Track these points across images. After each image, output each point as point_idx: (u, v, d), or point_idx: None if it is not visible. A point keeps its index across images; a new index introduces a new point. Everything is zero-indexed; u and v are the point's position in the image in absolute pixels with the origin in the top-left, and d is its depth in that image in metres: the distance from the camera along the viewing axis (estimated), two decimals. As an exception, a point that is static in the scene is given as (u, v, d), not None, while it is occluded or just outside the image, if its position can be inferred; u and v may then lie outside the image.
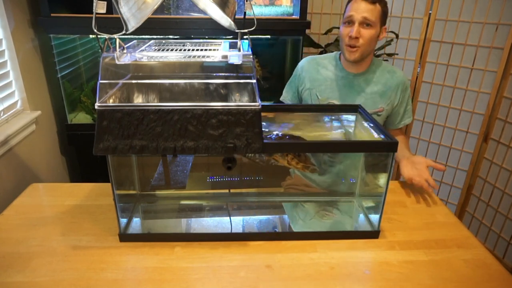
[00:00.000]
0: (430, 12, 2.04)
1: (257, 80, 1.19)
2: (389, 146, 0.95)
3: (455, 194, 2.21)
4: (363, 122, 1.13)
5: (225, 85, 1.04)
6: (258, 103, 0.87)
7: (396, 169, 2.42)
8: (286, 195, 1.30)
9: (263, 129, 0.89)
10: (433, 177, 2.25)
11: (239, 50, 1.05)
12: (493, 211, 1.99)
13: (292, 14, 1.87)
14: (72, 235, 1.03)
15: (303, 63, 1.45)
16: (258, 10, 1.87)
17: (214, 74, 1.01)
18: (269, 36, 2.02)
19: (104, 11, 0.88)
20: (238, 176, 1.23)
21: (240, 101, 1.01)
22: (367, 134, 1.08)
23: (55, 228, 1.06)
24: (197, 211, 1.21)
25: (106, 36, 0.91)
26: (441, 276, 0.91)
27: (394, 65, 2.21)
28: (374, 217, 1.08)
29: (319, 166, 1.29)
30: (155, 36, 1.80)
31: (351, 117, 1.22)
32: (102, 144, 0.86)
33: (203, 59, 0.97)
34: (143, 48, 1.05)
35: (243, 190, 1.28)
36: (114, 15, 1.63)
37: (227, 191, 1.27)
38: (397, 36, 2.10)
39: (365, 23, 1.24)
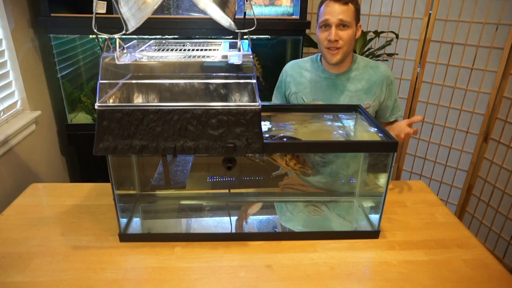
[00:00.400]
0: (430, 12, 2.04)
1: (257, 78, 1.19)
2: (389, 146, 0.95)
3: (455, 194, 2.21)
4: (363, 122, 1.13)
5: (225, 85, 1.04)
6: (258, 103, 0.87)
7: (396, 169, 2.42)
8: (286, 195, 1.30)
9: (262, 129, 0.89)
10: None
11: (239, 50, 1.05)
12: (493, 211, 1.99)
13: (292, 14, 1.87)
14: (72, 235, 1.03)
15: (287, 68, 1.46)
16: (258, 10, 1.87)
17: (214, 74, 1.01)
18: (269, 36, 2.02)
19: (104, 11, 0.88)
20: (238, 176, 1.23)
21: (240, 101, 1.01)
22: (367, 134, 1.08)
23: (55, 228, 1.06)
24: (197, 211, 1.21)
25: (106, 36, 0.91)
26: (441, 276, 0.91)
27: (394, 65, 2.21)
28: (374, 217, 1.08)
29: (316, 165, 1.29)
30: (155, 36, 1.80)
31: (351, 117, 1.22)
32: (102, 144, 0.86)
33: (203, 59, 0.97)
34: (143, 48, 1.05)
35: (243, 190, 1.28)
36: (114, 15, 1.63)
37: (227, 191, 1.27)
38: (397, 36, 2.10)
39: (342, 24, 1.25)
